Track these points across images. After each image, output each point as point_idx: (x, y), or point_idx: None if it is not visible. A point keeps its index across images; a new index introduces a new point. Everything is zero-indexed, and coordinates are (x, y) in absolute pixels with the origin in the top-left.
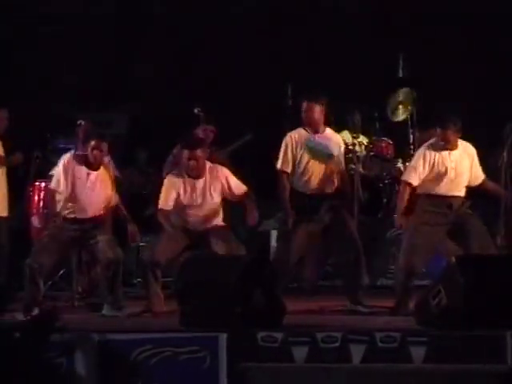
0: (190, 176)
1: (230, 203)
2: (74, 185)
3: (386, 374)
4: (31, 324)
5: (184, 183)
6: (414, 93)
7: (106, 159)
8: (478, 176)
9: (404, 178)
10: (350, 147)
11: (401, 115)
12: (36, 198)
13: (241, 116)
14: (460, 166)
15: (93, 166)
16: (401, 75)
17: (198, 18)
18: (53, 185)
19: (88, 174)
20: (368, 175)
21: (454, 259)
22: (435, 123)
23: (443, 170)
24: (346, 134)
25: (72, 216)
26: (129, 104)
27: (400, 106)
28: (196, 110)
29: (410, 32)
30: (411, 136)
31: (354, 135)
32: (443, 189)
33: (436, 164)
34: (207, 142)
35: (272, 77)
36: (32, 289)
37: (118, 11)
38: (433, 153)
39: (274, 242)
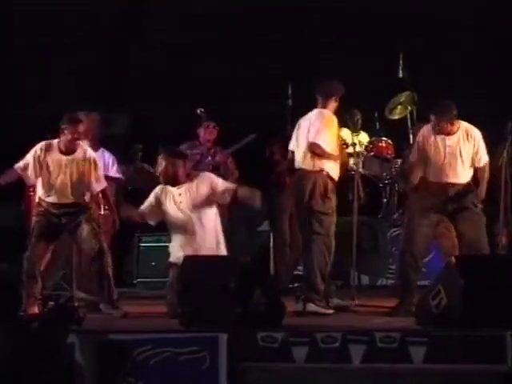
0: (173, 185)
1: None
2: (48, 170)
3: (385, 374)
4: (50, 316)
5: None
6: (415, 95)
7: (109, 158)
8: (483, 158)
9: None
10: (351, 147)
11: (397, 114)
12: (35, 198)
13: (241, 116)
14: (457, 151)
15: (65, 151)
16: (401, 75)
17: (198, 18)
18: (17, 166)
19: (61, 159)
20: (368, 175)
21: (453, 259)
22: (430, 110)
23: (437, 154)
24: (347, 134)
25: (52, 200)
26: (129, 104)
27: (399, 106)
28: (199, 111)
29: (410, 32)
30: (411, 136)
31: (355, 134)
32: (439, 174)
33: (429, 149)
34: (211, 139)
35: (272, 77)
36: (31, 283)
37: (118, 10)
38: (426, 138)
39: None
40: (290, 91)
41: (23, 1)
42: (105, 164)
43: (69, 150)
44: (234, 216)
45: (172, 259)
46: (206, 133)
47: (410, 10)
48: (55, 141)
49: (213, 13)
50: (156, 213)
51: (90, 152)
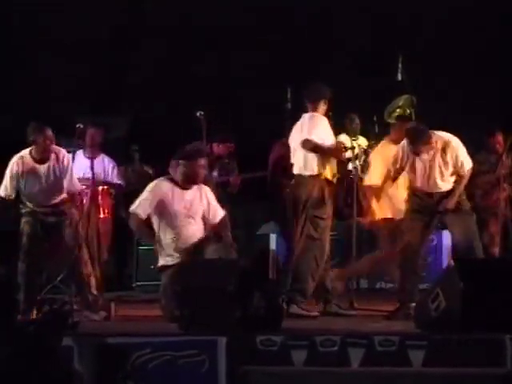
0: (183, 186)
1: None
2: (26, 182)
3: (384, 377)
4: (44, 321)
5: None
6: (414, 98)
7: (109, 163)
8: (466, 165)
9: None
10: (349, 150)
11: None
12: None
13: (240, 117)
14: (436, 164)
15: (40, 160)
16: (400, 78)
17: (198, 18)
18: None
19: (36, 169)
20: None
21: (452, 262)
22: (407, 137)
23: (418, 170)
24: (345, 138)
25: (34, 208)
26: (128, 105)
27: (398, 110)
28: (198, 114)
29: (410, 34)
30: None
31: (354, 138)
32: (423, 185)
33: (408, 164)
34: (223, 155)
35: (271, 80)
36: (29, 286)
37: (118, 12)
38: (403, 157)
39: (273, 246)
40: (289, 95)
41: (23, 1)
42: (105, 170)
43: (43, 159)
44: (233, 219)
45: (164, 262)
46: (222, 149)
47: (410, 11)
48: (26, 151)
49: (213, 12)
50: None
51: (63, 153)
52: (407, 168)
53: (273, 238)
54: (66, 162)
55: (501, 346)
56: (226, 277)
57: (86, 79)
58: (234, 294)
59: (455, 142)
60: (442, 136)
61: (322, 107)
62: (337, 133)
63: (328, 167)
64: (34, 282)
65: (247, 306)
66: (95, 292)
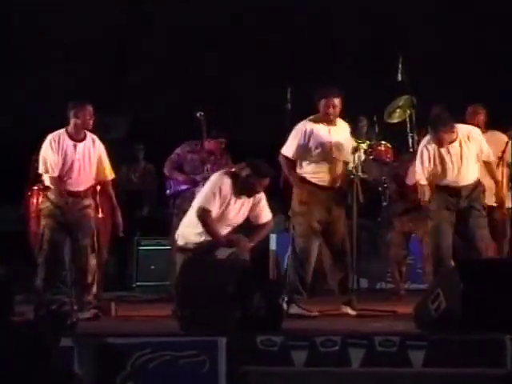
0: (236, 194)
1: None
2: (63, 159)
3: (385, 377)
4: (41, 322)
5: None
6: (414, 99)
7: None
8: (490, 152)
9: (418, 179)
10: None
11: (396, 118)
12: (34, 201)
13: (241, 118)
14: (463, 156)
15: (76, 139)
16: (400, 79)
17: (198, 19)
18: (51, 173)
19: (74, 146)
20: (367, 179)
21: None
22: (432, 126)
23: (444, 165)
24: None
25: (56, 200)
26: (128, 106)
27: (398, 110)
28: (198, 114)
29: (410, 34)
30: (410, 140)
31: (360, 141)
32: (451, 181)
33: (436, 160)
34: (216, 152)
35: (271, 80)
36: (41, 291)
37: (118, 12)
38: (431, 149)
39: (273, 246)
40: (289, 95)
41: (23, 1)
42: None
43: (80, 138)
44: None
45: (185, 244)
46: (214, 145)
47: (410, 11)
48: (61, 130)
49: (213, 12)
50: None
51: (98, 140)
52: (437, 164)
53: (273, 237)
54: (101, 149)
55: (501, 346)
56: (226, 277)
57: (85, 79)
58: (235, 294)
59: (476, 132)
60: (460, 126)
61: (324, 107)
62: None
63: (316, 170)
64: (49, 286)
65: (247, 307)
66: (90, 297)
